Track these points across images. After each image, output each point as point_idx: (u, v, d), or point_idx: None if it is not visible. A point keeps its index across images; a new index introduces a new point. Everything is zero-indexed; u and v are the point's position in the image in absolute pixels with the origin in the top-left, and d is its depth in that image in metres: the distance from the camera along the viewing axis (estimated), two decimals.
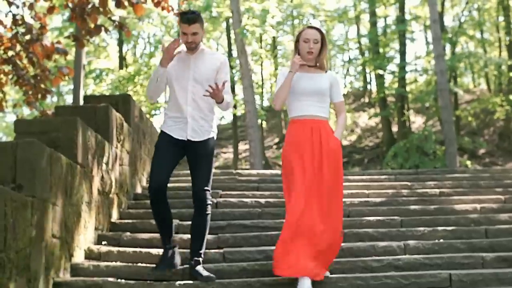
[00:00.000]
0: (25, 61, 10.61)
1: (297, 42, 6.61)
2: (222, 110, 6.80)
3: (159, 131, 7.02)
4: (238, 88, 31.68)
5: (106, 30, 10.66)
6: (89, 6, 10.12)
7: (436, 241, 8.53)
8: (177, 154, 6.74)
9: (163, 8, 10.53)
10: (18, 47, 10.37)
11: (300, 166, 6.38)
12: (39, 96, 10.80)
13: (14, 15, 10.02)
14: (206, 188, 6.70)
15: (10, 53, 10.56)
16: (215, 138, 6.89)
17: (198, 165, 6.69)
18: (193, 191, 6.74)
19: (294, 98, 6.53)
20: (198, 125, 6.71)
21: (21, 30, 10.33)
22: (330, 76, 6.66)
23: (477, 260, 7.89)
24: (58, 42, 10.70)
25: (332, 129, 6.57)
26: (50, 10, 10.30)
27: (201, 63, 6.70)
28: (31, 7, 9.90)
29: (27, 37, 10.25)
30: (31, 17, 10.21)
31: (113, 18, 10.67)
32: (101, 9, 9.98)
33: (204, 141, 6.73)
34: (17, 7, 10.01)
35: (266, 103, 35.45)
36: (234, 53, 30.67)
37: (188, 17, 6.46)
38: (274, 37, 32.29)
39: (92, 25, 10.22)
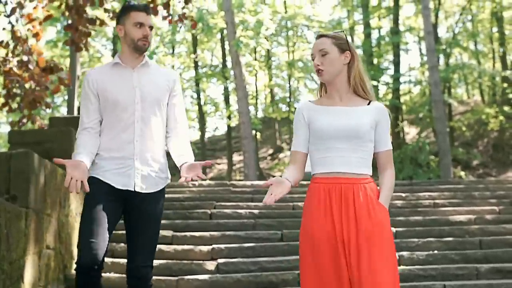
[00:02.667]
0: (20, 72, 10.56)
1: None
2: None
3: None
4: (233, 99, 31.70)
5: (102, 24, 10.66)
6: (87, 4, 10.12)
7: (431, 252, 8.53)
8: (118, 212, 4.60)
9: (164, 18, 10.40)
10: (15, 61, 10.34)
11: (316, 261, 3.92)
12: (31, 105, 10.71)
13: (13, 26, 10.01)
14: (149, 264, 4.62)
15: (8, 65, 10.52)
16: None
17: (143, 229, 4.59)
18: (130, 268, 4.60)
19: (316, 144, 4.07)
20: (149, 169, 4.59)
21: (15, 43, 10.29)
22: (375, 109, 4.09)
23: (472, 271, 7.90)
24: (56, 64, 10.67)
25: (376, 191, 4.04)
26: (46, 18, 10.29)
27: (148, 80, 4.66)
28: (28, 16, 9.89)
29: (20, 48, 10.21)
30: (28, 29, 10.17)
31: (107, 7, 10.63)
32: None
33: (155, 194, 4.64)
34: (17, 20, 9.99)
35: (260, 114, 35.46)
36: (229, 64, 30.68)
37: (144, 5, 4.71)
38: (268, 49, 32.32)
39: (84, 23, 10.18)
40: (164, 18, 9.81)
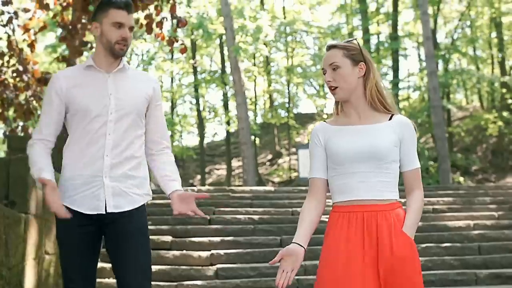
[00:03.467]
0: (15, 82, 10.52)
1: None
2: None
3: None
4: (232, 104, 31.71)
5: (92, 48, 10.60)
6: (81, 23, 10.08)
7: (430, 258, 8.53)
8: (97, 241, 4.04)
9: (157, 36, 10.35)
10: (10, 72, 10.31)
11: None
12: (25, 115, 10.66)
13: (9, 37, 10.00)
14: (144, 283, 3.98)
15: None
16: (148, 202, 4.19)
17: (128, 250, 3.95)
18: None
19: (335, 170, 3.62)
20: (122, 186, 3.96)
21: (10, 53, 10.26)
22: (398, 124, 3.61)
23: (471, 277, 7.90)
24: (49, 74, 10.64)
25: (402, 218, 3.58)
26: (41, 28, 10.28)
27: (125, 87, 4.03)
28: (24, 26, 9.88)
29: (14, 61, 10.18)
30: (23, 40, 10.16)
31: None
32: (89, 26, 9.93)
33: (132, 212, 3.98)
34: (13, 30, 9.97)
35: (259, 120, 35.48)
36: (228, 70, 30.71)
37: (126, 2, 4.01)
38: (266, 56, 32.34)
39: (77, 42, 10.14)
40: (157, 36, 9.74)
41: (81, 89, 3.96)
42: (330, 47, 3.63)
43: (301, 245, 3.50)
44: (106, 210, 3.90)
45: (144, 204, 4.06)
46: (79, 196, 3.91)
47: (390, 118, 3.60)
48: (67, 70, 4.13)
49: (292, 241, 3.55)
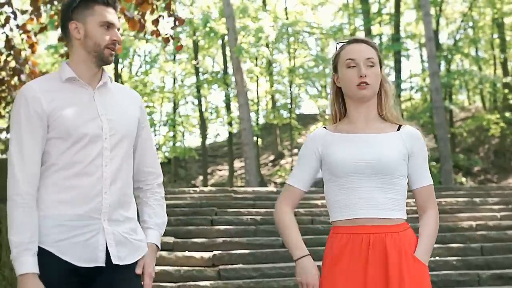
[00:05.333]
0: (12, 81, 10.52)
1: (335, 71, 3.40)
2: None
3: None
4: (234, 105, 31.70)
5: None
6: None
7: (432, 258, 8.53)
8: None
9: (152, 33, 10.26)
10: (7, 70, 10.31)
11: None
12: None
13: (7, 37, 10.01)
14: None
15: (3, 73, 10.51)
16: None
17: None
18: None
19: (335, 183, 3.23)
20: (122, 231, 3.19)
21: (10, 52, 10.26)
22: (407, 135, 3.31)
23: (473, 277, 7.90)
24: (46, 73, 10.65)
25: (413, 241, 3.21)
26: (41, 29, 10.29)
27: (114, 106, 3.26)
28: (23, 27, 9.88)
29: (13, 63, 10.18)
30: (22, 39, 10.16)
31: None
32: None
33: (132, 266, 3.23)
34: (11, 30, 9.97)
35: (261, 121, 35.46)
36: (230, 71, 30.70)
37: None
38: (268, 59, 32.34)
39: None
40: (153, 33, 9.65)
41: (66, 107, 3.11)
42: (361, 41, 3.33)
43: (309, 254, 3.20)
44: (107, 261, 3.12)
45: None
46: (69, 243, 3.05)
47: (398, 129, 3.29)
48: (41, 81, 3.21)
49: (304, 255, 3.17)
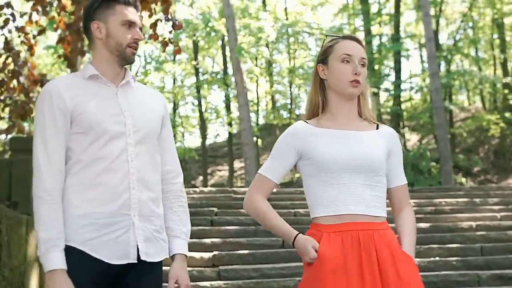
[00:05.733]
0: (11, 83, 10.50)
1: (322, 63, 3.31)
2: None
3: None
4: (234, 106, 31.71)
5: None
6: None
7: (432, 259, 8.53)
8: None
9: (150, 37, 10.17)
10: (6, 71, 10.29)
11: None
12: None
13: (6, 39, 10.00)
14: None
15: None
16: None
17: None
18: None
19: (320, 177, 3.16)
20: (151, 228, 3.21)
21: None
22: (387, 135, 3.29)
23: (473, 278, 7.90)
24: (44, 75, 10.63)
25: (396, 239, 3.26)
26: (40, 32, 10.27)
27: (138, 103, 3.29)
28: (22, 29, 9.87)
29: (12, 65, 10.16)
30: (21, 41, 10.14)
31: None
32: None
33: (159, 264, 3.33)
34: (10, 31, 9.96)
35: (261, 121, 35.45)
36: (230, 71, 30.70)
37: None
38: (268, 59, 32.34)
39: (80, 44, 10.08)
40: (151, 36, 9.62)
41: (89, 102, 3.14)
42: (356, 40, 3.29)
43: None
44: (137, 258, 3.13)
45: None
46: (100, 241, 3.05)
47: (377, 128, 3.28)
48: (65, 79, 3.28)
49: (298, 233, 3.13)
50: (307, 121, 3.27)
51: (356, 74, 3.16)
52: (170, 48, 9.73)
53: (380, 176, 3.17)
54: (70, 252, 3.02)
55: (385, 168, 3.20)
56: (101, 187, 3.07)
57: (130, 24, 3.22)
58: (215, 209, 10.77)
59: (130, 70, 3.23)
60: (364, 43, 3.30)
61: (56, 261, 2.98)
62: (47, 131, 3.10)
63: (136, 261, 3.10)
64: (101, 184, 3.08)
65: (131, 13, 3.24)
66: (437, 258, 8.57)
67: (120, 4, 3.23)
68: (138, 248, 3.11)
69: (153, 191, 3.22)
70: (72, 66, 10.83)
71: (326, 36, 3.38)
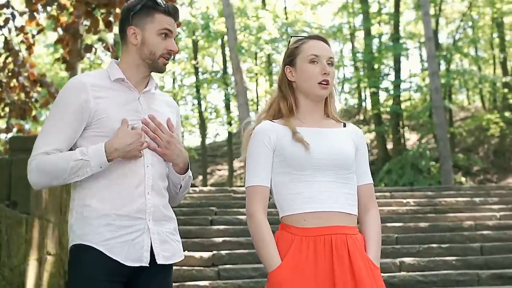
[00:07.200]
0: (10, 83, 10.48)
1: (290, 65, 3.25)
2: (177, 194, 3.43)
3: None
4: (233, 105, 31.70)
5: (95, 51, 10.52)
6: (82, 26, 10.01)
7: (432, 258, 8.53)
8: None
9: None
10: (6, 71, 10.27)
11: None
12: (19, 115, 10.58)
13: (6, 38, 9.99)
14: None
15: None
16: None
17: None
18: None
19: (291, 174, 3.09)
20: (165, 231, 3.24)
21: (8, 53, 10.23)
22: (353, 132, 3.26)
23: (473, 277, 7.90)
24: (44, 75, 10.61)
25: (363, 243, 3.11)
26: (39, 31, 10.27)
27: (156, 111, 3.31)
28: (21, 29, 9.86)
29: (11, 65, 10.14)
30: (21, 41, 10.13)
31: (108, 35, 10.57)
32: (92, 29, 9.85)
33: (169, 267, 3.28)
34: (9, 31, 9.95)
35: None
36: (229, 70, 30.71)
37: (173, 6, 3.30)
38: (268, 54, 32.34)
39: (79, 45, 10.05)
40: None
41: (113, 106, 3.15)
42: (323, 40, 3.24)
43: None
44: (153, 260, 3.14)
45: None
46: (117, 242, 3.07)
47: (344, 126, 3.24)
48: (92, 76, 3.24)
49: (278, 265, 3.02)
50: (273, 120, 3.20)
51: (325, 73, 3.11)
52: None
53: (351, 173, 3.11)
54: (87, 251, 3.06)
55: (354, 165, 3.15)
56: (118, 190, 3.11)
57: (167, 34, 3.21)
58: (215, 209, 10.77)
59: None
60: (329, 43, 3.24)
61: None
62: (54, 120, 3.13)
63: (148, 265, 3.11)
64: (118, 187, 3.11)
65: (169, 23, 3.21)
66: (437, 258, 8.57)
67: (160, 13, 3.20)
68: (151, 252, 3.12)
69: (164, 196, 3.26)
70: (71, 68, 10.82)
71: (291, 37, 3.32)
